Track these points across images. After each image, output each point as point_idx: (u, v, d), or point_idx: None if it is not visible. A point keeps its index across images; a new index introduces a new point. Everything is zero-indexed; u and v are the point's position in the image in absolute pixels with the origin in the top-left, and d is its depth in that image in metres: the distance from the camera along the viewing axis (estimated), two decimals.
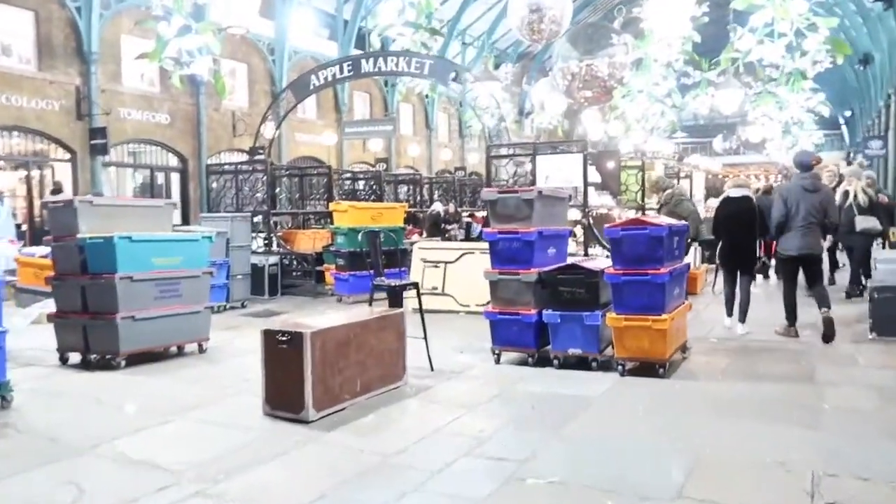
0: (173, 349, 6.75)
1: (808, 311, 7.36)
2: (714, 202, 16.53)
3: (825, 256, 9.05)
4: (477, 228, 15.00)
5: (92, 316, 6.30)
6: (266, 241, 12.41)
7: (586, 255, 9.79)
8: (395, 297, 6.17)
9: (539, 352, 6.17)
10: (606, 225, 6.12)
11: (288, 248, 12.58)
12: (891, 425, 4.38)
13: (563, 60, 16.35)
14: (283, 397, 4.63)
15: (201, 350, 6.87)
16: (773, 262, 10.63)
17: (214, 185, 12.82)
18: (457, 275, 9.30)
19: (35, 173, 16.74)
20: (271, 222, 12.72)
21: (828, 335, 6.82)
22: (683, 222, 6.90)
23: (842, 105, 36.54)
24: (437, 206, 16.59)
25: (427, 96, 28.84)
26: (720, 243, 7.66)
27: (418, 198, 18.49)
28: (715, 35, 16.01)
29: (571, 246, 8.90)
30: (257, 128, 13.86)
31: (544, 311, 6.02)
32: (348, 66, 12.59)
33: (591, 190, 10.52)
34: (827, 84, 19.32)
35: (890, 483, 3.43)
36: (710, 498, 3.31)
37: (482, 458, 3.92)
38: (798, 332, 7.18)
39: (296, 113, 19.32)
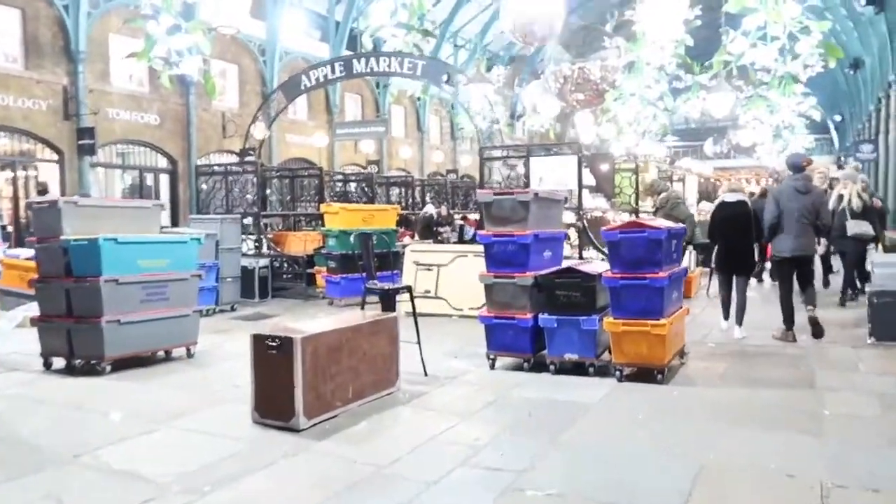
0: (160, 354, 6.60)
1: (806, 314, 7.29)
2: (706, 205, 16.55)
3: (818, 260, 9.05)
4: (470, 231, 14.91)
5: (76, 320, 6.14)
6: (256, 244, 12.27)
7: (581, 258, 9.70)
8: (388, 301, 6.05)
9: (535, 357, 6.07)
10: (604, 228, 6.03)
11: (278, 250, 12.43)
12: (895, 433, 4.28)
13: (555, 63, 16.32)
14: (273, 405, 4.49)
15: (189, 355, 6.73)
16: (767, 265, 10.61)
17: (204, 186, 12.67)
18: (450, 278, 9.19)
19: (21, 174, 16.49)
20: (262, 224, 12.57)
21: (816, 333, 6.95)
22: (681, 225, 6.82)
23: (832, 109, 36.72)
24: (430, 209, 16.47)
25: (419, 98, 28.80)
26: (716, 247, 7.62)
27: (410, 200, 18.36)
28: (707, 38, 15.99)
29: (566, 249, 8.81)
30: (247, 129, 13.70)
31: (540, 316, 5.91)
32: (340, 66, 12.47)
33: (585, 192, 10.44)
34: (818, 88, 19.34)
35: None
36: None
37: (478, 469, 3.80)
38: (796, 336, 7.11)
39: (287, 114, 19.19)
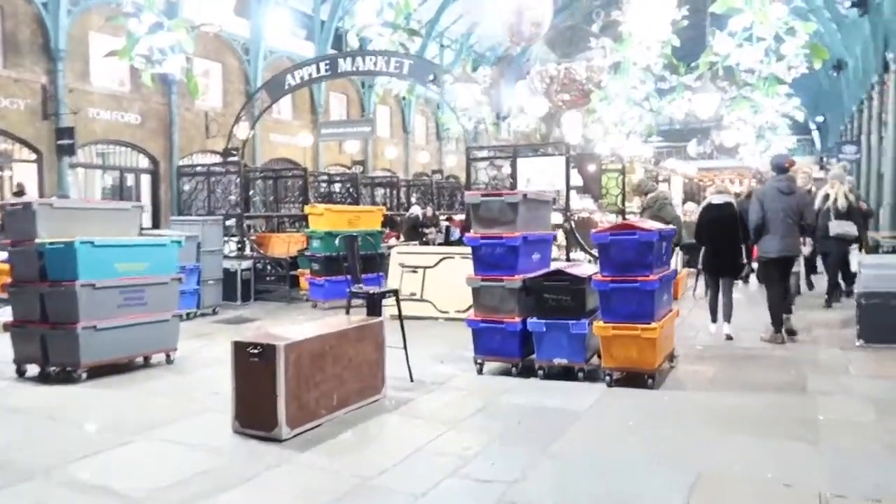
0: (139, 360, 6.41)
1: (794, 315, 7.25)
2: (691, 206, 16.55)
3: (801, 260, 9.08)
4: (455, 232, 14.80)
5: (51, 325, 5.94)
6: (239, 245, 12.07)
7: (569, 259, 9.61)
8: (374, 305, 5.90)
9: (523, 361, 5.95)
10: (594, 230, 5.92)
11: (261, 252, 12.23)
12: (893, 440, 4.21)
13: (540, 63, 16.26)
14: (255, 414, 4.34)
15: (169, 360, 6.55)
16: (755, 265, 10.59)
17: (186, 187, 12.43)
18: (436, 280, 9.06)
19: None
20: (244, 226, 12.36)
21: (789, 332, 7.21)
22: (671, 227, 6.74)
23: (814, 110, 37.00)
24: (416, 210, 16.35)
25: (404, 98, 28.61)
26: (704, 249, 7.57)
27: (395, 201, 18.21)
28: (693, 39, 16.02)
29: (553, 251, 8.72)
30: (231, 128, 13.48)
31: (529, 320, 5.80)
32: (325, 65, 12.28)
33: (572, 193, 10.35)
34: (801, 89, 19.45)
35: None
36: None
37: (468, 480, 3.67)
38: (784, 338, 7.07)
39: (270, 113, 18.96)
